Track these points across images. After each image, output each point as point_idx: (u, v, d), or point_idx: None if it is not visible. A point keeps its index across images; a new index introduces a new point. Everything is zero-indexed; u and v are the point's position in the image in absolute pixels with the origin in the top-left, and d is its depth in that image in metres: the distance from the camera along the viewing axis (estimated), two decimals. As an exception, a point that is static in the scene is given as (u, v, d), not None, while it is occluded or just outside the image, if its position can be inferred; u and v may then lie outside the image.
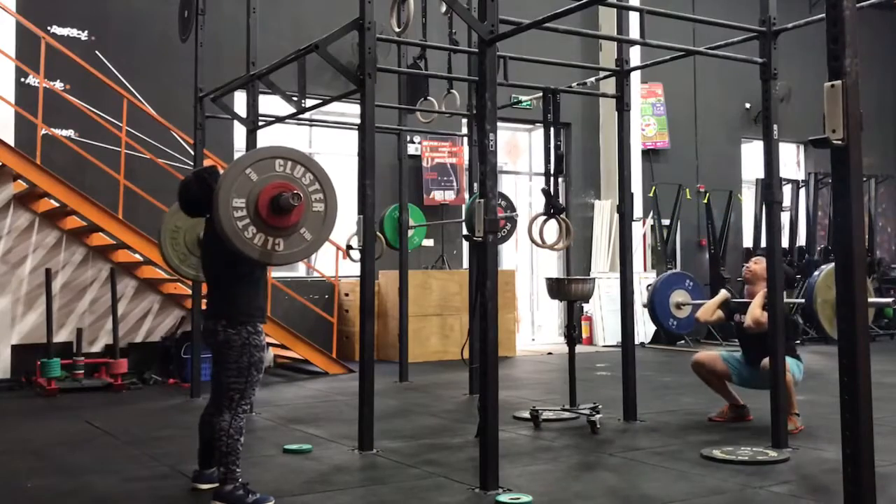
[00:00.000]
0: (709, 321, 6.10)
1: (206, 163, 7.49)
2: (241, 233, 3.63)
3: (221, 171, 3.96)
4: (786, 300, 5.13)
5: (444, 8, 6.19)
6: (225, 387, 3.91)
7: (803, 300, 5.10)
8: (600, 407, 5.63)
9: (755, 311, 5.51)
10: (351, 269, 9.37)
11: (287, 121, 7.14)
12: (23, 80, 8.67)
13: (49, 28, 8.82)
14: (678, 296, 6.36)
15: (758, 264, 5.77)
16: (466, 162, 9.68)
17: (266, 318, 4.11)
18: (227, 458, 3.82)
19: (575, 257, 12.44)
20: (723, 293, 6.11)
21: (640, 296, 11.37)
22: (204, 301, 7.24)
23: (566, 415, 5.85)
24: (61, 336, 8.13)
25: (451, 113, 7.71)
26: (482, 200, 4.19)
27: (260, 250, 3.70)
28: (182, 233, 4.77)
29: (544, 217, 5.76)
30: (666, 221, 12.93)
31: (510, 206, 7.86)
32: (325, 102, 6.38)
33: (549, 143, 5.70)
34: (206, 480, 4.12)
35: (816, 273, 5.02)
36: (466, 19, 4.68)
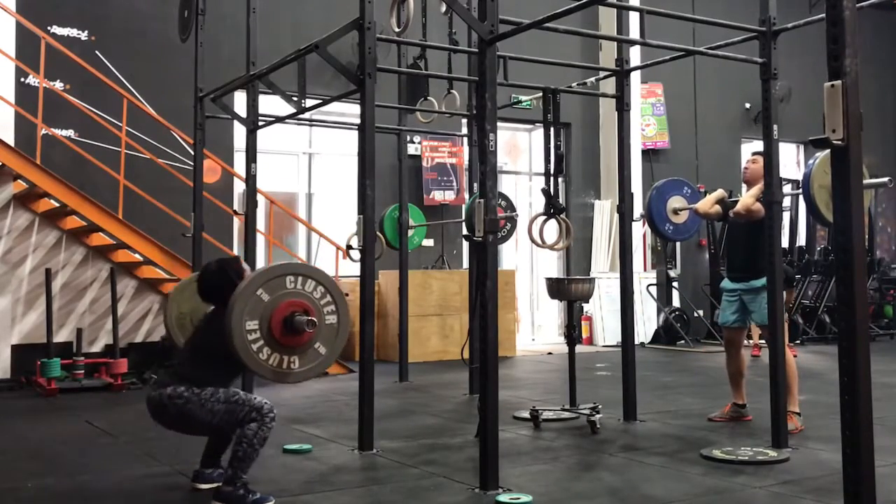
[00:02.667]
0: (708, 213, 6.06)
1: (206, 163, 7.50)
2: (255, 355, 3.63)
3: (244, 265, 4.04)
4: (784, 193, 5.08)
5: (444, 8, 6.18)
6: (233, 424, 3.79)
7: (800, 190, 5.04)
8: (600, 407, 5.63)
9: (747, 199, 5.55)
10: (351, 269, 9.37)
11: (287, 121, 7.14)
12: (23, 80, 8.67)
13: (49, 28, 8.82)
14: (675, 202, 6.32)
15: (756, 163, 5.76)
16: (466, 162, 9.68)
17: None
18: (240, 463, 3.74)
19: (575, 257, 12.45)
20: (720, 190, 6.11)
21: (640, 296, 11.40)
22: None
23: (566, 415, 5.85)
24: (61, 336, 8.12)
25: (451, 113, 7.71)
26: (482, 200, 4.19)
27: (273, 370, 3.71)
28: (188, 317, 4.79)
29: (544, 217, 5.76)
30: (666, 221, 12.91)
31: (510, 206, 7.86)
32: (325, 102, 6.38)
33: (549, 143, 5.70)
34: (205, 480, 4.11)
35: (811, 161, 4.93)
36: (466, 19, 4.68)
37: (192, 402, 3.75)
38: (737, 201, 5.86)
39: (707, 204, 6.03)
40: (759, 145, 5.88)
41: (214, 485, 4.04)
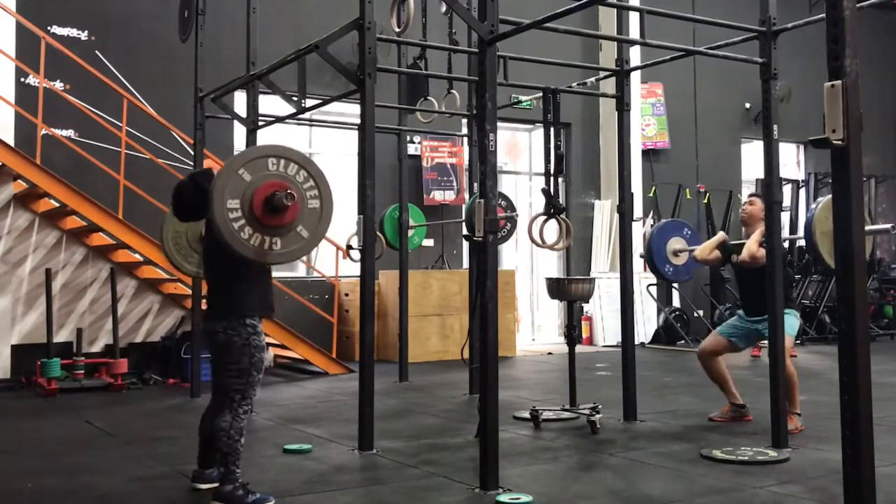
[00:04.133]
0: (706, 259, 6.12)
1: (206, 163, 7.49)
2: (236, 234, 3.61)
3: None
4: (784, 237, 5.15)
5: (444, 8, 6.18)
6: (226, 388, 3.92)
7: (802, 237, 5.06)
8: (600, 407, 5.63)
9: (752, 246, 5.56)
10: (351, 269, 9.37)
11: (287, 121, 7.14)
12: (23, 80, 8.67)
13: (49, 28, 8.82)
14: (675, 243, 6.34)
15: (753, 205, 5.79)
16: (466, 162, 9.68)
17: (268, 313, 4.08)
18: (227, 458, 3.82)
19: (575, 257, 12.44)
20: (720, 234, 6.13)
21: (640, 296, 11.40)
22: (204, 301, 7.25)
23: (566, 415, 5.85)
24: (61, 336, 8.12)
25: (451, 113, 7.71)
26: (482, 200, 4.19)
27: (255, 250, 3.68)
28: (184, 234, 4.81)
29: (544, 217, 5.76)
30: (666, 221, 12.92)
31: (510, 206, 7.86)
32: (325, 102, 6.38)
33: (549, 143, 5.70)
34: (205, 480, 4.12)
35: (814, 206, 4.89)
36: (466, 19, 4.69)
37: (241, 335, 3.84)
38: (738, 244, 5.88)
39: (706, 251, 6.05)
40: (759, 145, 5.88)
41: (214, 485, 4.04)
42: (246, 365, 3.87)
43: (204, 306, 4.52)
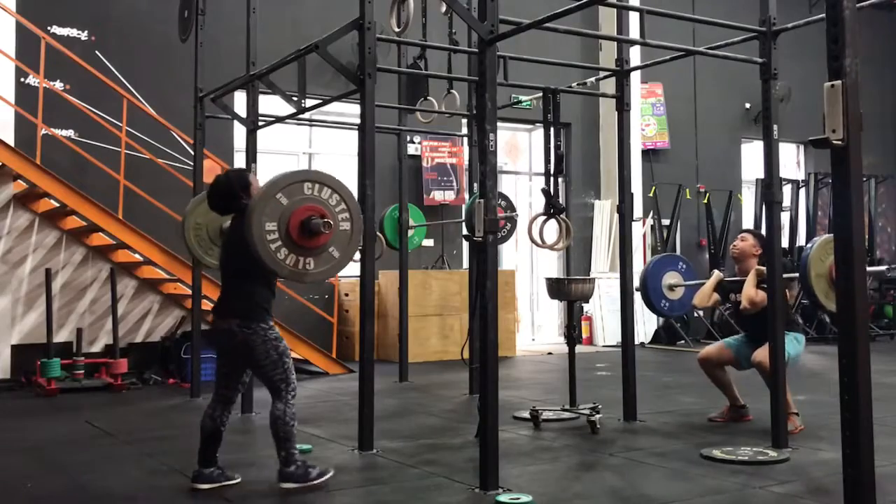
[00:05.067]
0: (706, 306, 6.03)
1: (206, 163, 7.50)
2: (273, 254, 3.83)
3: (253, 177, 4.20)
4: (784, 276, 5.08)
5: (444, 8, 6.18)
6: (268, 382, 4.08)
7: (797, 275, 5.01)
8: (600, 407, 5.63)
9: (749, 291, 5.45)
10: (351, 269, 9.35)
11: (287, 121, 7.14)
12: (23, 80, 8.67)
13: (49, 28, 8.82)
14: (670, 277, 6.24)
15: (745, 241, 5.75)
16: (466, 162, 9.68)
17: (272, 315, 4.23)
18: (286, 443, 4.00)
19: (575, 257, 12.44)
20: (716, 274, 6.00)
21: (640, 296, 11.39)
22: (205, 300, 7.27)
23: (566, 415, 5.85)
24: (61, 336, 8.13)
25: (451, 113, 7.71)
26: (482, 200, 4.19)
27: (291, 270, 3.90)
28: (204, 226, 5.01)
29: (544, 217, 5.76)
30: (666, 221, 12.93)
31: (510, 206, 7.85)
32: (325, 102, 6.38)
33: (549, 143, 5.70)
34: (205, 480, 4.12)
35: (809, 245, 4.83)
36: (466, 19, 4.68)
37: (258, 334, 4.01)
38: (734, 281, 5.79)
39: (705, 298, 5.88)
40: (759, 145, 5.88)
41: (215, 484, 4.05)
42: (275, 356, 4.05)
43: (214, 303, 4.56)
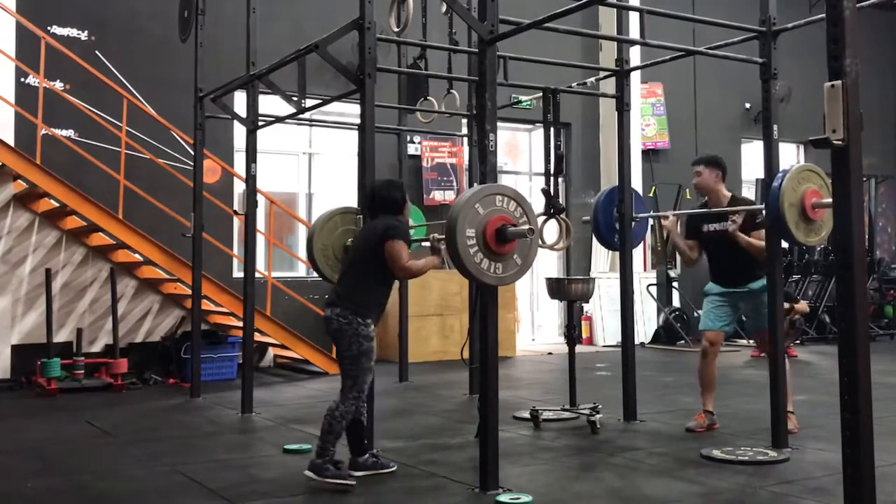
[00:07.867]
0: (695, 259, 5.80)
1: (206, 163, 7.50)
2: (471, 257, 4.09)
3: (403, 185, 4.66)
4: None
5: (444, 8, 6.18)
6: (343, 373, 4.32)
7: (763, 206, 4.91)
8: (600, 407, 5.63)
9: (758, 245, 5.24)
10: (351, 269, 9.35)
11: (287, 121, 7.14)
12: (23, 80, 8.67)
13: (49, 28, 8.82)
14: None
15: (700, 175, 5.64)
16: (466, 162, 9.67)
17: (379, 320, 4.47)
18: (326, 436, 4.15)
19: (575, 257, 12.43)
20: (669, 223, 5.86)
21: (640, 296, 11.40)
22: (205, 300, 7.25)
23: (566, 415, 5.85)
24: (61, 336, 8.13)
25: (451, 113, 7.70)
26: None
27: (484, 273, 4.12)
28: (330, 247, 5.18)
29: (544, 217, 5.75)
30: (666, 221, 12.91)
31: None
32: (325, 102, 6.38)
33: (549, 143, 5.70)
34: (359, 468, 4.34)
35: (780, 174, 4.65)
36: (466, 19, 4.68)
37: (352, 326, 4.25)
38: (700, 213, 5.68)
39: (688, 259, 5.74)
40: (759, 145, 5.86)
41: (369, 472, 4.33)
42: (356, 352, 4.25)
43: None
